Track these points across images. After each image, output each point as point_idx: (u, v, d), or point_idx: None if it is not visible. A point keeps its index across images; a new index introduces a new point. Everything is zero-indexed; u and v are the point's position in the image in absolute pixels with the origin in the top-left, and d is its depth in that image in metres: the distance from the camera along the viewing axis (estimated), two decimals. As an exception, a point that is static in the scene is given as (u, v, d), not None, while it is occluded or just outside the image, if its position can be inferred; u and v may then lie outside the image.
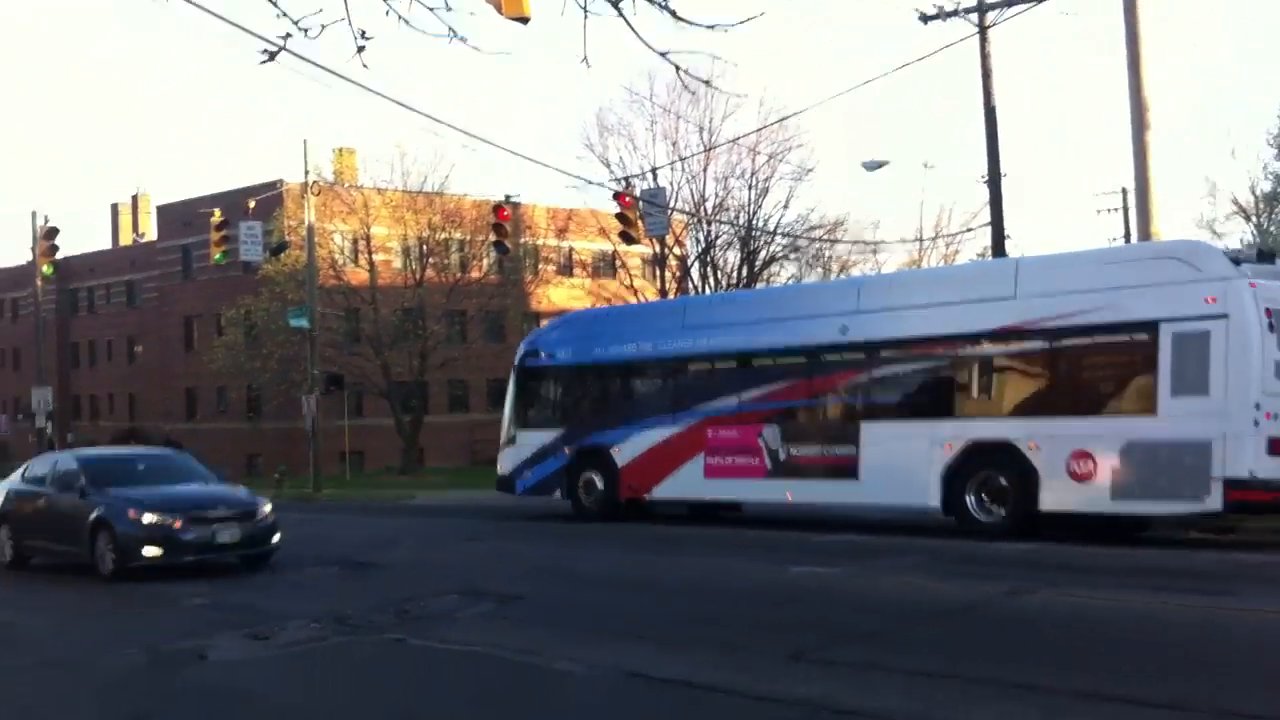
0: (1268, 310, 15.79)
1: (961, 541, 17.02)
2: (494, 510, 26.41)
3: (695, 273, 51.49)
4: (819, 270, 51.94)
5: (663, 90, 45.51)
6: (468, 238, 52.85)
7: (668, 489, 22.75)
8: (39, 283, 47.11)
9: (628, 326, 25.09)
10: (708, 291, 49.91)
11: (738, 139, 43.92)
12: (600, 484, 23.73)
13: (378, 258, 52.56)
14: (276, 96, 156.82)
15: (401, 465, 49.88)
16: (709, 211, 49.52)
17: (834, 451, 20.12)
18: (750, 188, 49.78)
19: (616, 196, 29.77)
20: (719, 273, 51.09)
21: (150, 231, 74.64)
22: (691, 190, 49.79)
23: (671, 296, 49.32)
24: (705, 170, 49.38)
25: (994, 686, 8.13)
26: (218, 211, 36.61)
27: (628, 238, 29.78)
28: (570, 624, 11.29)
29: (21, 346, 75.30)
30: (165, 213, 66.25)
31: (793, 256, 50.93)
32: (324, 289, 45.19)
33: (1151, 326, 16.50)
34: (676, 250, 50.85)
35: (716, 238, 50.83)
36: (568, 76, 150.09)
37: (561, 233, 56.76)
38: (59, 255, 45.37)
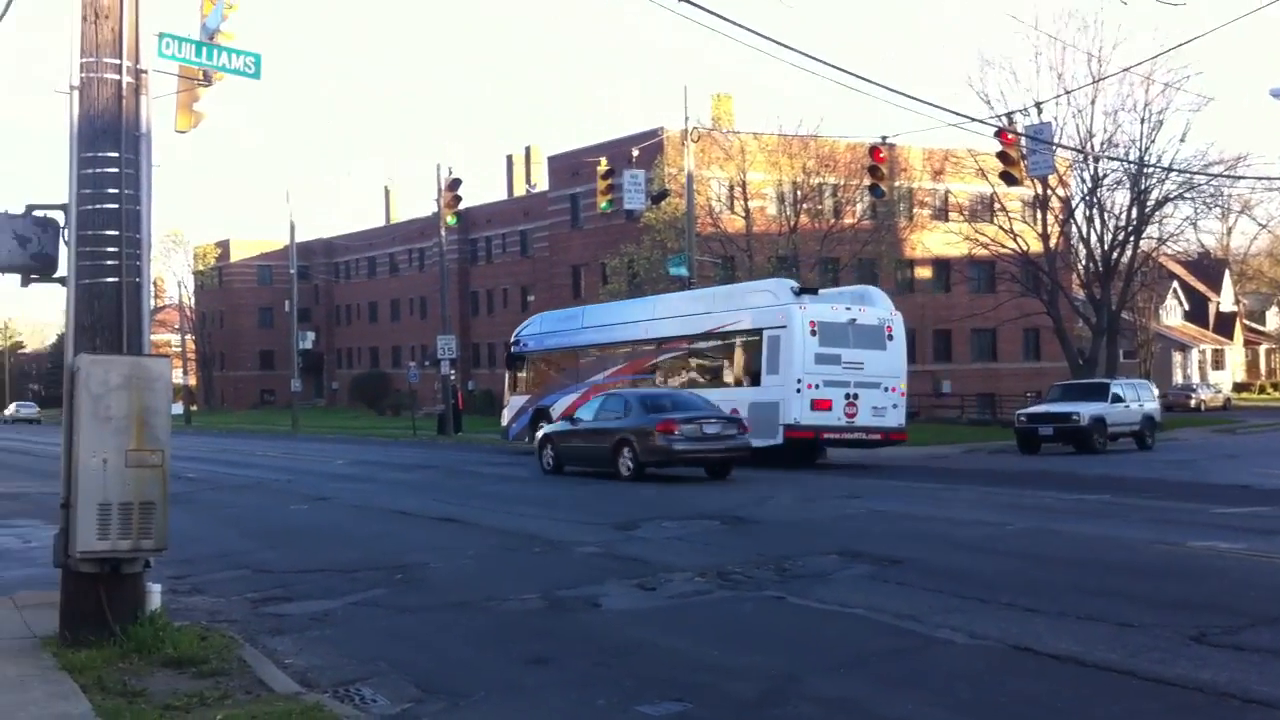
0: (811, 323, 27.20)
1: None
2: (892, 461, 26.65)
3: (1080, 215, 49.08)
4: (1217, 210, 48.30)
5: (1048, 17, 43.47)
6: (841, 182, 52.48)
7: None
8: (443, 232, 50.78)
9: (561, 325, 36.97)
10: (1093, 236, 47.64)
11: (1130, 68, 41.38)
12: None
13: (753, 204, 52.99)
14: (658, 40, 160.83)
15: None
16: (1096, 148, 46.97)
17: None
18: (1142, 121, 46.84)
19: (998, 134, 28.82)
20: (1105, 215, 48.46)
21: (541, 182, 78.05)
22: (1078, 126, 47.36)
23: (1053, 241, 47.54)
24: (1093, 104, 46.88)
25: None
26: (604, 160, 38.17)
27: (1009, 178, 28.88)
28: (952, 591, 11.11)
29: (427, 295, 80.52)
30: (555, 163, 69.00)
31: (1188, 196, 47.57)
32: (701, 236, 46.13)
33: (759, 333, 28.19)
34: (1060, 191, 48.61)
35: (1104, 177, 48.17)
36: (946, 9, 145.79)
37: (938, 174, 55.40)
38: (461, 206, 48.78)
